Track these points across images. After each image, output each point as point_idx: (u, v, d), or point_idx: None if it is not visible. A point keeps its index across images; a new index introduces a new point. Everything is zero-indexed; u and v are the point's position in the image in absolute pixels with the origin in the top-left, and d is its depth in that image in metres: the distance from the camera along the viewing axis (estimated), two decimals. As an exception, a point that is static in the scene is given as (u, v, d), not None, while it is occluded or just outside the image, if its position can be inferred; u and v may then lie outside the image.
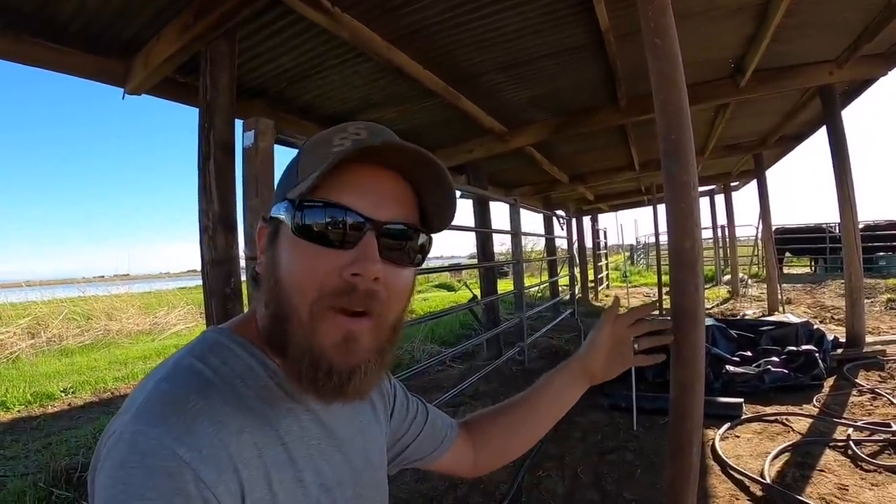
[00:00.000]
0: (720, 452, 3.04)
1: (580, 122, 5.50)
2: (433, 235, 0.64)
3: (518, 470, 3.11)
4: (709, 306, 9.39)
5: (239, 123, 2.64)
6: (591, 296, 12.56)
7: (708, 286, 12.50)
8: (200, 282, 2.79)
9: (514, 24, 3.46)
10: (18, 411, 5.51)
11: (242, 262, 2.69)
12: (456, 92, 4.44)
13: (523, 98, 4.92)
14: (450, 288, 18.89)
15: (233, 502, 0.50)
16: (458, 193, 0.70)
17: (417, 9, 3.13)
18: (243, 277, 2.69)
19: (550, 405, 1.00)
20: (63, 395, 6.11)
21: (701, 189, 11.69)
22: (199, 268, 2.78)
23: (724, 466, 2.91)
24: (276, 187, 0.65)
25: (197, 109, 2.90)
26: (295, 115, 4.60)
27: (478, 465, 0.98)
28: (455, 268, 9.50)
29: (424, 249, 0.63)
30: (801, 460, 2.90)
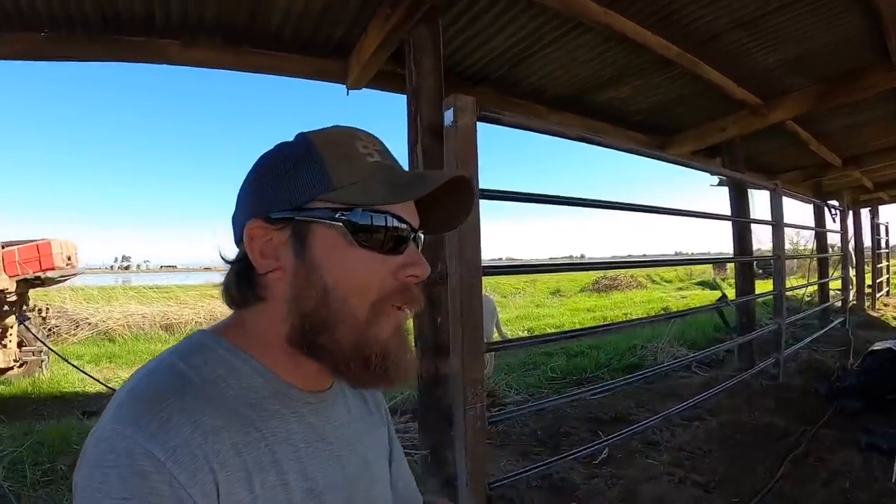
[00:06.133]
0: None
1: (846, 89, 4.44)
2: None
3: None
4: None
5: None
6: (867, 304, 10.35)
7: None
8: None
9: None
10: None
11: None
12: (693, 58, 3.87)
13: (774, 61, 4.12)
14: (713, 287, 17.75)
15: (207, 503, 0.50)
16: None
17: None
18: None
19: None
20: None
21: None
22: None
23: None
24: (273, 182, 0.61)
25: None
26: (526, 99, 4.48)
27: None
28: (697, 261, 8.59)
29: None
30: None
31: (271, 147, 0.64)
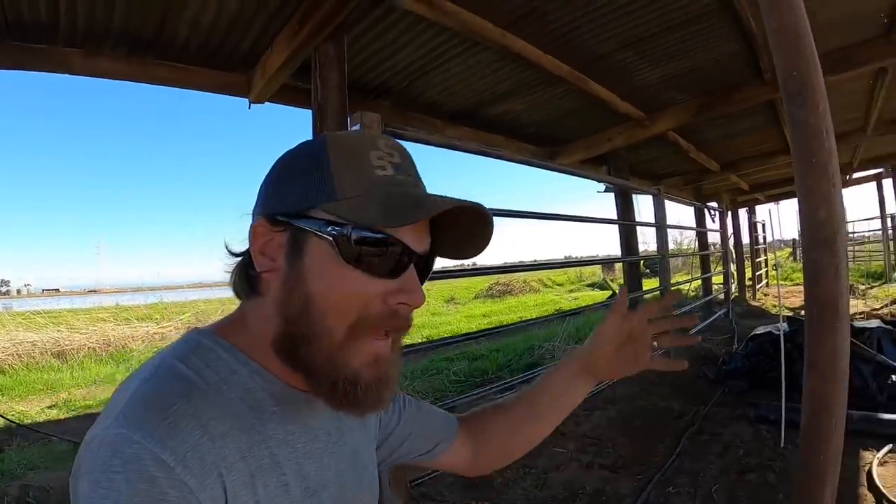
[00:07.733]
0: (877, 481, 2.55)
1: (724, 102, 4.86)
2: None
3: (645, 484, 2.81)
4: (877, 306, 8.26)
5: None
6: (748, 295, 11.36)
7: (876, 284, 11.10)
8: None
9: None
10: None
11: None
12: (582, 76, 4.12)
13: (657, 78, 4.46)
14: (602, 287, 18.66)
15: None
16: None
17: (523, -9, 2.94)
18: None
19: (552, 403, 0.94)
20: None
21: (866, 173, 10.83)
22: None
23: (881, 499, 2.43)
24: (283, 182, 0.60)
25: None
26: (423, 112, 4.58)
27: (479, 464, 0.96)
28: (587, 263, 9.09)
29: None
30: None
31: (293, 146, 0.64)
